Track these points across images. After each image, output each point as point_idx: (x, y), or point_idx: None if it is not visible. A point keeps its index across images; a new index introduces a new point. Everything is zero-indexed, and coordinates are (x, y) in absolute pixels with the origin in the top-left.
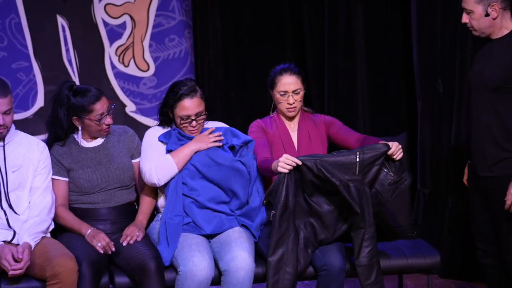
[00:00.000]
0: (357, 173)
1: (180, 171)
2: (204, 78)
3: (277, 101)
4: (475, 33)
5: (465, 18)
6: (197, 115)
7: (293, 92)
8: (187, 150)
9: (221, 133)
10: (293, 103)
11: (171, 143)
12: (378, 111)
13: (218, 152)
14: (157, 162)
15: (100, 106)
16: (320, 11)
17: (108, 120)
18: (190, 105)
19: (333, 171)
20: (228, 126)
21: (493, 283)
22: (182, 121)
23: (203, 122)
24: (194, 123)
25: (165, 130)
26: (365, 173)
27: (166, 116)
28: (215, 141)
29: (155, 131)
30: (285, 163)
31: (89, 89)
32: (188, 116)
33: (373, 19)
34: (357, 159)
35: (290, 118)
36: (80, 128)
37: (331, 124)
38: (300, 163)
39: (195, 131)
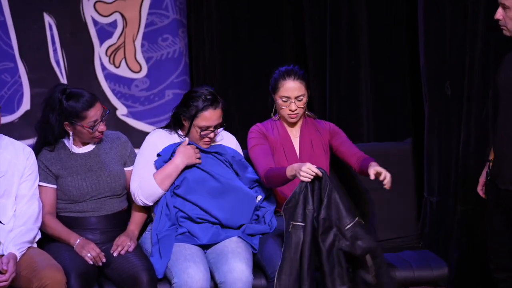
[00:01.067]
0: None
1: (167, 190)
2: (199, 77)
3: (279, 106)
4: (505, 33)
5: (499, 14)
6: (216, 126)
7: (295, 98)
8: (170, 168)
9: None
10: (295, 109)
11: (159, 160)
12: (382, 111)
13: (242, 193)
14: (140, 183)
15: (94, 113)
16: (322, 6)
17: (101, 127)
18: (213, 116)
19: (330, 208)
20: (237, 151)
21: None
22: (202, 132)
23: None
24: (212, 134)
25: (171, 135)
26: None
27: (178, 122)
28: (199, 158)
29: (156, 137)
30: (307, 172)
31: (82, 94)
32: (208, 127)
33: (376, 16)
34: (353, 222)
35: (292, 124)
36: (71, 133)
37: (335, 134)
38: (320, 174)
39: (210, 142)
